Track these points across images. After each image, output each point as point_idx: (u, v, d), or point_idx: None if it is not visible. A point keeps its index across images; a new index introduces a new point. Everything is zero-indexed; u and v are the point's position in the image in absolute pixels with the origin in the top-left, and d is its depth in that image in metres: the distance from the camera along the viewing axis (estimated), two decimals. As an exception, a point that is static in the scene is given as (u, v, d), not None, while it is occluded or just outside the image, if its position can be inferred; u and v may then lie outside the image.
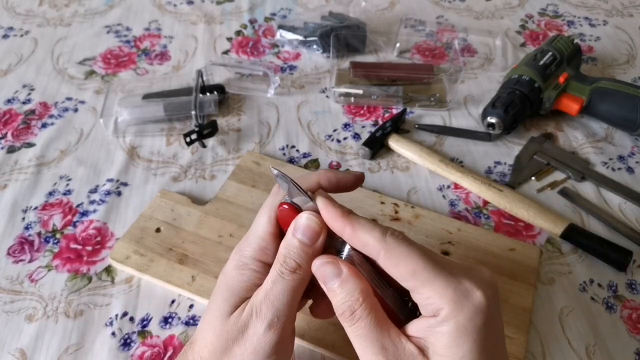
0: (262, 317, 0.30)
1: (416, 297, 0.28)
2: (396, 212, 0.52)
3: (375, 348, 0.27)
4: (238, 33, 0.78)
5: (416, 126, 0.63)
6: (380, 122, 0.64)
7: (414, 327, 0.28)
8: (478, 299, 0.26)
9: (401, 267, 0.27)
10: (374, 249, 0.28)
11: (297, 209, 0.31)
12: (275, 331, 0.30)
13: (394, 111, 0.65)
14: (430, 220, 0.51)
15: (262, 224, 0.32)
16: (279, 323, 0.30)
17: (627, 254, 0.48)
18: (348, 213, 0.30)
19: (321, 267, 0.30)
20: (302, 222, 0.30)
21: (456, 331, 0.26)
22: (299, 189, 0.31)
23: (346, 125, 0.64)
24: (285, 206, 0.31)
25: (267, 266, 0.32)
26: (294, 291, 0.30)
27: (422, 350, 0.27)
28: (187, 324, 0.44)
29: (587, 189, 0.56)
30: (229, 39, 0.77)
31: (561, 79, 0.61)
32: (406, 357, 0.27)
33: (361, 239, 0.29)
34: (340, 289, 0.29)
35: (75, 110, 0.65)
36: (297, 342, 0.42)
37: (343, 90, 0.66)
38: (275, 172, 0.30)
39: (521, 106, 0.59)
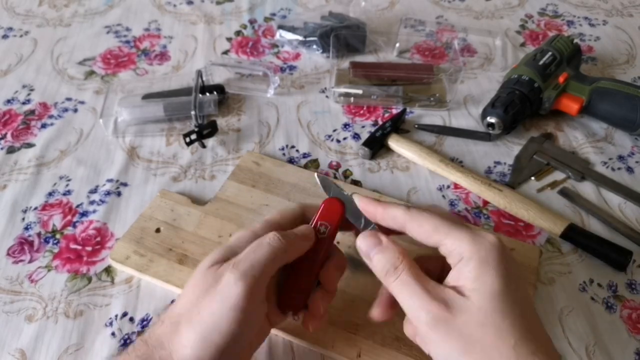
0: (238, 268, 0.33)
1: (442, 249, 0.33)
2: (396, 212, 0.52)
3: (420, 292, 0.31)
4: (238, 33, 0.78)
5: (416, 126, 0.63)
6: (380, 122, 0.64)
7: (447, 280, 0.32)
8: (491, 238, 0.32)
9: (424, 225, 0.33)
10: (402, 218, 0.34)
11: (340, 201, 0.37)
12: (245, 284, 0.32)
13: (394, 111, 0.65)
14: (430, 220, 0.51)
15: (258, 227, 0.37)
16: (250, 278, 0.32)
17: (627, 254, 0.48)
18: (377, 200, 0.36)
19: (364, 240, 0.34)
20: (302, 229, 0.36)
21: (479, 264, 0.30)
22: (339, 188, 0.38)
23: (346, 125, 0.64)
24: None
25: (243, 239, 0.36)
26: (273, 260, 0.34)
27: (458, 292, 0.31)
28: (187, 324, 0.44)
29: (587, 188, 0.56)
30: (229, 39, 0.77)
31: (561, 79, 0.61)
32: (447, 296, 0.30)
33: (391, 214, 0.34)
34: (382, 253, 0.33)
35: (75, 110, 0.65)
36: (297, 342, 0.42)
37: (343, 90, 0.66)
38: (319, 177, 0.39)
39: (521, 106, 0.59)
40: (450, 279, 0.32)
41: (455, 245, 0.32)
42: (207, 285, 0.33)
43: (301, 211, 0.39)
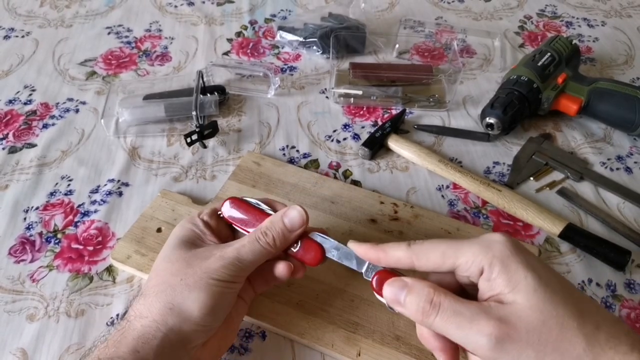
0: (225, 257, 0.36)
1: (458, 271, 0.32)
2: (395, 212, 0.52)
3: (469, 318, 0.29)
4: (238, 34, 0.79)
5: (415, 126, 0.63)
6: (380, 123, 0.64)
7: (480, 295, 0.32)
8: (497, 237, 0.32)
9: (431, 257, 0.33)
10: (406, 258, 0.33)
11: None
12: (229, 273, 0.35)
13: (394, 112, 0.66)
14: (429, 220, 0.51)
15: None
16: (234, 269, 0.36)
17: (626, 254, 0.48)
18: (376, 244, 0.36)
19: (389, 289, 0.33)
20: (293, 212, 0.38)
21: (503, 266, 0.30)
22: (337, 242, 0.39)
23: (346, 126, 0.64)
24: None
25: (209, 228, 0.40)
26: (259, 256, 0.37)
27: (500, 302, 0.30)
28: (187, 323, 0.44)
29: (585, 189, 0.56)
30: (230, 40, 0.77)
31: (560, 80, 0.62)
32: (496, 311, 0.29)
33: (394, 256, 0.34)
34: (412, 293, 0.32)
35: (77, 110, 0.65)
36: (297, 340, 0.43)
37: (343, 91, 0.66)
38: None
39: (520, 107, 0.59)
40: (483, 293, 0.31)
41: (470, 261, 0.31)
42: (191, 260, 0.36)
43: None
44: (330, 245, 0.38)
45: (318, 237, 0.39)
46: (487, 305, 0.30)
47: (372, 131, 0.61)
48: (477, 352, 0.30)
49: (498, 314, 0.29)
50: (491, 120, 0.59)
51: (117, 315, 0.44)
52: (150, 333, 0.33)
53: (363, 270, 0.37)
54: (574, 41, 0.67)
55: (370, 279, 0.36)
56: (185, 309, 0.34)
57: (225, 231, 0.41)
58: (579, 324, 0.28)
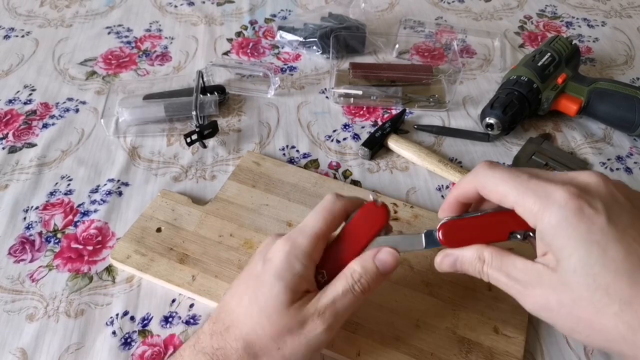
0: (325, 319, 0.34)
1: (519, 210, 0.32)
2: (395, 212, 0.52)
3: (518, 264, 0.32)
4: (238, 34, 0.79)
5: (415, 127, 0.63)
6: (380, 123, 0.64)
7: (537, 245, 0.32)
8: (559, 197, 0.30)
9: (493, 195, 0.33)
10: (471, 188, 0.35)
11: (385, 207, 0.37)
12: (329, 335, 0.34)
13: (393, 112, 0.66)
14: (429, 220, 0.51)
15: (319, 225, 0.36)
16: (334, 329, 0.34)
17: (625, 254, 0.48)
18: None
19: (441, 261, 0.36)
20: (385, 255, 0.35)
21: (549, 236, 0.30)
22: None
23: (346, 126, 0.64)
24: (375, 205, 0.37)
25: (312, 264, 0.35)
26: (355, 306, 0.35)
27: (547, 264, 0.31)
28: (187, 323, 0.44)
29: (585, 189, 0.56)
30: (230, 40, 0.77)
31: (560, 80, 0.62)
32: (541, 275, 0.31)
33: (462, 188, 0.36)
34: (465, 264, 0.35)
35: (76, 110, 0.65)
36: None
37: (342, 91, 0.66)
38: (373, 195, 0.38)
39: (520, 107, 0.59)
40: (537, 246, 0.32)
41: (525, 217, 0.31)
42: (290, 326, 0.33)
43: (343, 208, 0.38)
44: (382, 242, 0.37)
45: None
46: (536, 268, 0.31)
47: (372, 131, 0.61)
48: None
49: (542, 281, 0.30)
50: (491, 121, 0.59)
51: (117, 315, 0.44)
52: None
53: (423, 246, 0.37)
54: (574, 41, 0.67)
55: (435, 242, 0.36)
56: None
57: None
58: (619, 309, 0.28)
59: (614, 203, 0.30)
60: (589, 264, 0.28)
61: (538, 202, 0.30)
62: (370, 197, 0.38)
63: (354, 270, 0.35)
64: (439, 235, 0.36)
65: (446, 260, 0.36)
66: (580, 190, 0.30)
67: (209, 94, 0.63)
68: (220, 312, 0.36)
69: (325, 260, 0.36)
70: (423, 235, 0.37)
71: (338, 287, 0.34)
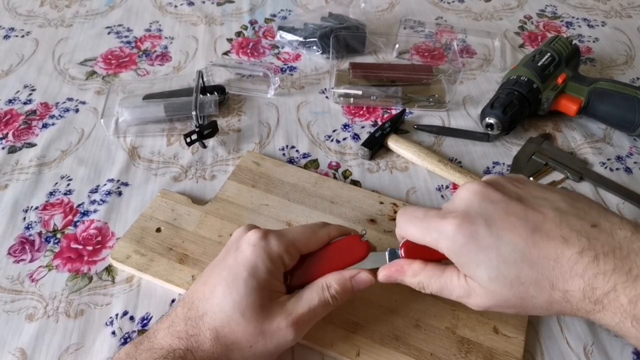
0: (298, 326, 0.36)
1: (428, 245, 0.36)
2: (395, 212, 0.52)
3: (454, 280, 0.35)
4: (238, 34, 0.79)
5: (415, 127, 0.63)
6: (380, 123, 0.64)
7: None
8: (449, 228, 0.33)
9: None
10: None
11: (368, 245, 0.39)
12: (298, 338, 0.37)
13: (393, 112, 0.66)
14: (429, 220, 0.51)
15: (298, 236, 0.39)
16: (303, 333, 0.37)
17: (625, 254, 0.48)
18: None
19: (384, 275, 0.38)
20: (362, 277, 0.38)
21: (454, 260, 0.34)
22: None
23: (346, 126, 0.64)
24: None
25: (283, 267, 0.38)
26: (324, 313, 0.38)
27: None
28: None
29: (585, 189, 0.56)
30: (230, 40, 0.77)
31: (560, 80, 0.62)
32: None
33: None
34: (406, 276, 0.38)
35: (76, 110, 0.65)
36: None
37: (342, 91, 0.66)
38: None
39: (520, 107, 0.59)
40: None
41: (432, 247, 0.35)
42: (264, 328, 0.35)
43: (327, 233, 0.40)
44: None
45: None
46: (468, 283, 0.35)
47: (372, 131, 0.61)
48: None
49: (475, 292, 0.34)
50: (491, 121, 0.59)
51: (117, 315, 0.44)
52: None
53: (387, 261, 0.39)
54: (574, 41, 0.67)
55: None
56: None
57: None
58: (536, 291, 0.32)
59: (487, 205, 0.34)
60: (494, 266, 0.32)
61: (435, 239, 0.34)
62: (360, 231, 0.40)
63: (331, 286, 0.37)
64: (402, 253, 0.38)
65: (389, 279, 0.38)
66: (462, 215, 0.34)
67: (208, 94, 0.63)
68: (193, 299, 0.37)
69: (296, 267, 0.39)
70: (387, 253, 0.39)
71: (314, 297, 0.37)
